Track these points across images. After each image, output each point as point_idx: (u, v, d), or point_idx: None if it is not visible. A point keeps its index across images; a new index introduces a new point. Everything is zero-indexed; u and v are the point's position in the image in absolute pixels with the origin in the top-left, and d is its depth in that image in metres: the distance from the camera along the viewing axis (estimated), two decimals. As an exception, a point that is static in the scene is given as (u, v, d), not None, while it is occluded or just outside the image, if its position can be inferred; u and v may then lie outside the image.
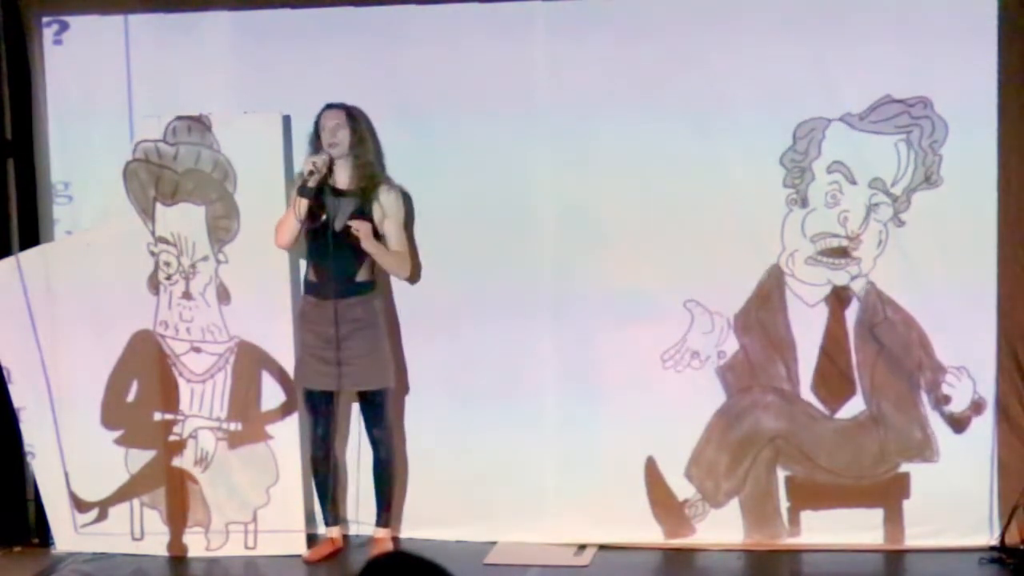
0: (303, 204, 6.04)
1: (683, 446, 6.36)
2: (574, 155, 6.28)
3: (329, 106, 6.12)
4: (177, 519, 6.47)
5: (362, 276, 6.14)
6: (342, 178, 6.15)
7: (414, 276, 6.32)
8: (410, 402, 6.49)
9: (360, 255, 6.09)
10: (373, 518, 6.37)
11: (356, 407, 6.41)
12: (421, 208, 6.38)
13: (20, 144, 6.63)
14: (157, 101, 6.42)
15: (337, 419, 6.33)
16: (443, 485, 6.48)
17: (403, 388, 6.44)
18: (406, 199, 6.26)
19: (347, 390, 6.24)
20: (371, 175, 6.13)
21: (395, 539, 6.39)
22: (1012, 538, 6.11)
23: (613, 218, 6.27)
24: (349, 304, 6.09)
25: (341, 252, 6.06)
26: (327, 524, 6.42)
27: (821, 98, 6.15)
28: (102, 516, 6.52)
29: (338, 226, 6.06)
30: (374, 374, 6.17)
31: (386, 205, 6.13)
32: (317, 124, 6.12)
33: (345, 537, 6.45)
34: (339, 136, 6.09)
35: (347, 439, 6.50)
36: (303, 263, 6.32)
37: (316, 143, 6.13)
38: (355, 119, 6.14)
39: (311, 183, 6.03)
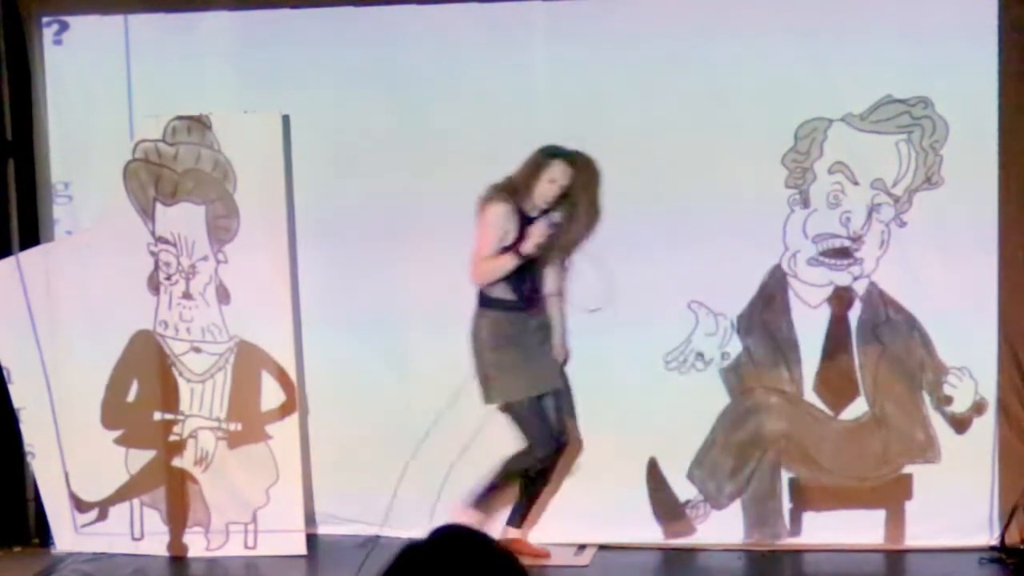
0: (513, 264, 6.00)
1: (686, 447, 6.36)
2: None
3: (566, 157, 6.00)
4: (177, 519, 6.47)
5: (550, 290, 6.19)
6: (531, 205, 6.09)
7: None
8: (411, 403, 6.49)
9: (538, 267, 6.11)
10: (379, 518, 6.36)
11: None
12: (420, 208, 6.38)
13: (20, 144, 6.63)
14: (157, 101, 6.42)
15: None
16: (444, 485, 6.46)
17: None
18: None
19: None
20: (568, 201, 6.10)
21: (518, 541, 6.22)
22: (1012, 538, 6.11)
23: (614, 219, 6.25)
24: (544, 315, 6.16)
25: (533, 269, 6.08)
26: (516, 525, 6.27)
27: (822, 98, 6.15)
28: (102, 516, 6.52)
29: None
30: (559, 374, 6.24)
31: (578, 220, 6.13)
32: (546, 162, 5.99)
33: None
34: (552, 193, 6.00)
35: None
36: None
37: (530, 180, 6.00)
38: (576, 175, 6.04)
39: (530, 252, 6.02)
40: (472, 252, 6.04)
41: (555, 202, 6.04)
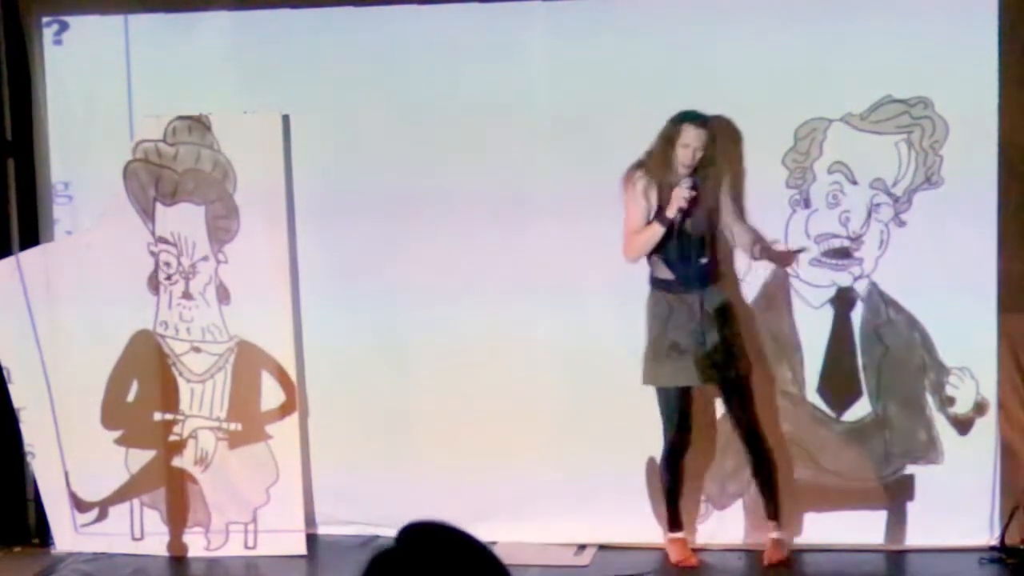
0: (660, 231, 5.97)
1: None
2: (574, 154, 6.27)
3: (694, 120, 5.94)
4: (177, 519, 6.47)
5: (711, 267, 6.06)
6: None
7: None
8: (411, 403, 6.49)
9: (709, 244, 6.02)
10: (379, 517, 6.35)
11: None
12: (421, 208, 6.38)
13: (20, 144, 6.63)
14: (157, 101, 6.42)
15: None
16: (443, 485, 6.47)
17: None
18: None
19: (707, 384, 6.12)
20: (719, 172, 6.02)
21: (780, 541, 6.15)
22: (1012, 538, 6.10)
23: (614, 217, 6.24)
24: (702, 297, 6.02)
25: (692, 248, 6.00)
26: (675, 529, 6.22)
27: (822, 98, 6.14)
28: (102, 516, 6.52)
29: (687, 226, 5.98)
30: (728, 364, 6.04)
31: (729, 192, 6.04)
32: (677, 131, 5.94)
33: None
34: (696, 157, 5.93)
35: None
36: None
37: (668, 148, 5.97)
38: (714, 139, 5.97)
39: (672, 215, 5.96)
40: (623, 230, 6.05)
41: (695, 167, 5.96)
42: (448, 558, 2.23)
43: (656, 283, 6.09)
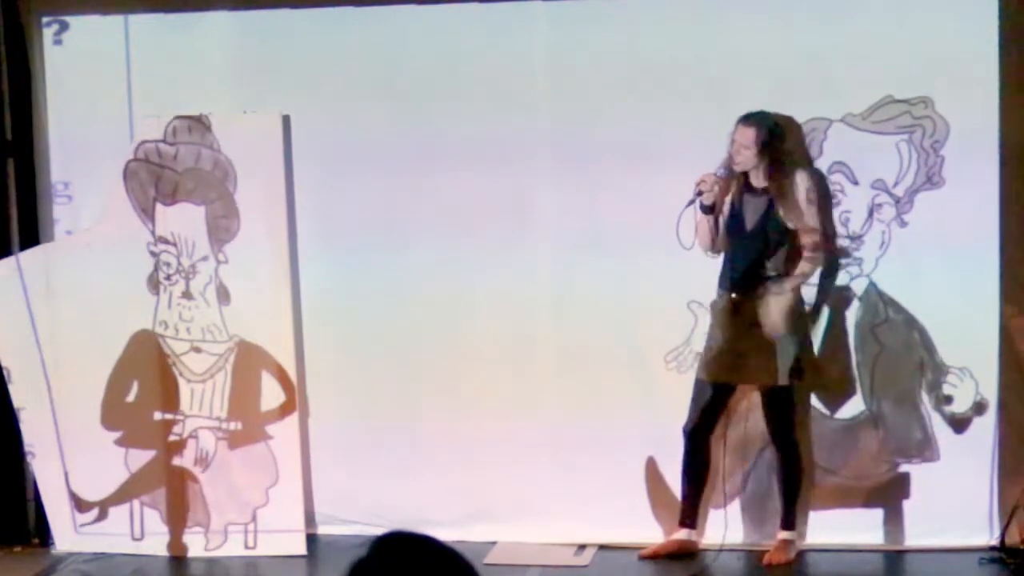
0: (705, 220, 5.99)
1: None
2: (574, 155, 6.27)
3: (745, 119, 5.94)
4: (177, 519, 6.47)
5: (770, 271, 6.01)
6: (756, 176, 6.01)
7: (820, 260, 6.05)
8: (412, 403, 6.48)
9: (773, 249, 5.99)
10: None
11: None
12: (421, 208, 6.37)
13: (20, 144, 6.62)
14: (157, 101, 6.41)
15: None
16: (443, 485, 6.47)
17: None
18: (820, 177, 6.06)
19: (745, 384, 6.12)
20: (784, 172, 5.98)
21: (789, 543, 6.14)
22: (1012, 538, 6.11)
23: (614, 218, 6.25)
24: (751, 298, 5.99)
25: (754, 248, 5.98)
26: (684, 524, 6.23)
27: (823, 98, 6.14)
28: (102, 516, 6.51)
29: (749, 225, 5.99)
30: (767, 371, 5.99)
31: (798, 189, 5.97)
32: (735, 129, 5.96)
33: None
34: (743, 156, 5.95)
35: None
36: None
37: (729, 151, 5.99)
38: (768, 139, 5.92)
39: (705, 201, 5.96)
40: None
41: (748, 164, 5.96)
42: (424, 568, 2.24)
43: (720, 281, 6.09)
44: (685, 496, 6.21)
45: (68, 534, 6.53)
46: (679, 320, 6.27)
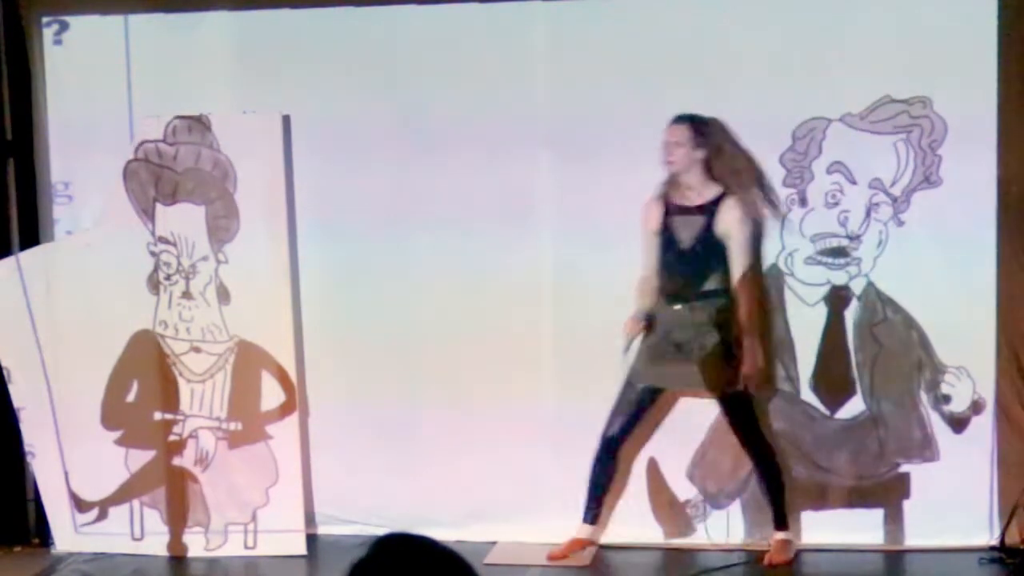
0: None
1: (685, 447, 6.36)
2: (574, 155, 6.28)
3: (675, 118, 5.98)
4: (177, 519, 6.47)
5: (709, 286, 6.03)
6: (689, 194, 6.03)
7: (752, 312, 6.01)
8: (412, 403, 6.49)
9: (710, 266, 6.00)
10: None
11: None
12: (421, 208, 6.38)
13: (20, 144, 6.63)
14: (157, 101, 6.42)
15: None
16: (443, 485, 6.47)
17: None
18: (751, 215, 6.02)
19: (679, 389, 6.15)
20: (722, 189, 6.00)
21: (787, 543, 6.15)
22: (1012, 538, 6.11)
23: (614, 215, 6.26)
24: (694, 308, 6.01)
25: (691, 266, 6.00)
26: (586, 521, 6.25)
27: (821, 98, 6.15)
28: (102, 516, 6.51)
29: (684, 244, 6.01)
30: (709, 380, 6.02)
31: (724, 223, 5.98)
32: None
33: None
34: (677, 155, 5.97)
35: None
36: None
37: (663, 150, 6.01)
38: (702, 135, 5.97)
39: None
40: None
41: (682, 165, 5.99)
42: (423, 569, 2.25)
43: (659, 290, 6.11)
44: (591, 496, 6.20)
45: (68, 534, 6.54)
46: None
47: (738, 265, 5.99)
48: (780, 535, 6.16)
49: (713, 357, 5.98)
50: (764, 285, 6.20)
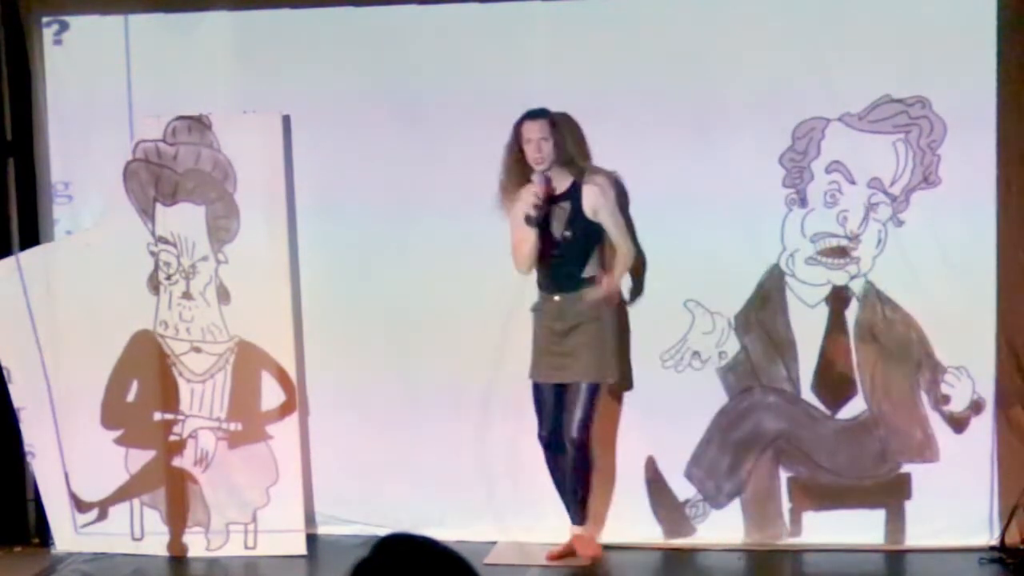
0: (533, 234, 6.00)
1: (684, 446, 6.36)
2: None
3: (531, 115, 6.01)
4: (177, 519, 6.47)
5: (587, 273, 6.06)
6: (556, 179, 6.05)
7: (637, 268, 6.20)
8: (412, 403, 6.49)
9: (584, 253, 6.04)
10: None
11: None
12: (421, 208, 6.39)
13: (20, 144, 6.64)
14: (157, 101, 6.42)
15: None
16: (443, 485, 6.47)
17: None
18: (613, 184, 6.11)
19: (568, 382, 6.11)
20: (576, 175, 6.05)
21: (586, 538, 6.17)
22: (1012, 538, 6.11)
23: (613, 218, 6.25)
24: (571, 299, 6.03)
25: (565, 254, 6.03)
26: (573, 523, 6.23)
27: (820, 98, 6.16)
28: (102, 516, 6.52)
29: (557, 233, 6.03)
30: (592, 368, 6.05)
31: (591, 201, 6.03)
32: (518, 132, 6.02)
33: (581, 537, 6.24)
34: (545, 150, 5.99)
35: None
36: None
37: (517, 153, 6.04)
38: (557, 127, 6.02)
39: (536, 215, 5.97)
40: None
41: (549, 159, 6.01)
42: (424, 569, 2.25)
43: (537, 284, 6.15)
44: (561, 496, 6.19)
45: (68, 534, 6.54)
46: (675, 319, 6.28)
47: (620, 242, 6.04)
48: (580, 530, 6.16)
49: (592, 346, 6.02)
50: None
